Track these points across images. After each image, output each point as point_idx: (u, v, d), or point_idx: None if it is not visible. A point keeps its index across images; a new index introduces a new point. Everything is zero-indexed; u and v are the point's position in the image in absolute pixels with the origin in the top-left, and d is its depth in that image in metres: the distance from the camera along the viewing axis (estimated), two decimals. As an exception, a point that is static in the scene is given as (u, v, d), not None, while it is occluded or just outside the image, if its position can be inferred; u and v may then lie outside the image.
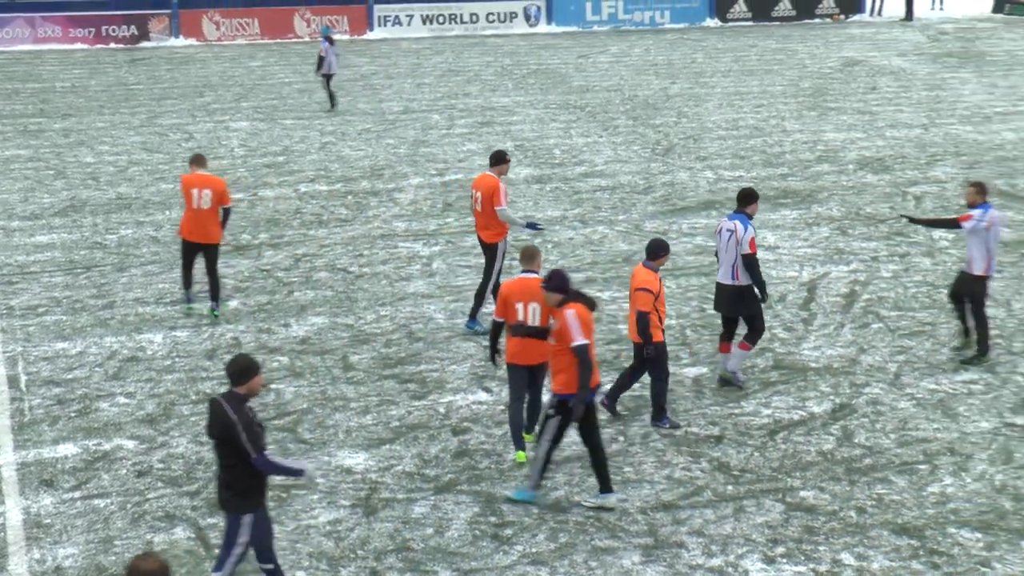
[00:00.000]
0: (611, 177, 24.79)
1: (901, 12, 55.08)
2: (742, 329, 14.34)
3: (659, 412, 13.35)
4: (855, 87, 36.44)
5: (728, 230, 14.04)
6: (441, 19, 49.80)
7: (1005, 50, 44.84)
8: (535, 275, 12.42)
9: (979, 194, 15.02)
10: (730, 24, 53.08)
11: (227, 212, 16.88)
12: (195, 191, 16.45)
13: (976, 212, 14.84)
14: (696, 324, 16.42)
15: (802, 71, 39.73)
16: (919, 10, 55.97)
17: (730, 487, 12.01)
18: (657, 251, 13.16)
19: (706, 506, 11.66)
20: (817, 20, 54.55)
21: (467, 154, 27.03)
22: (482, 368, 14.91)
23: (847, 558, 10.73)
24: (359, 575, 10.52)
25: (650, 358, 13.09)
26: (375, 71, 40.18)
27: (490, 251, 16.11)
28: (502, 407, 13.68)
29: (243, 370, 9.13)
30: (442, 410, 13.78)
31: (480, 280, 16.29)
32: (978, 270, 14.92)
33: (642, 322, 12.82)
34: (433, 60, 42.57)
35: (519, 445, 12.59)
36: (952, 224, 15.42)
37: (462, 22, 49.98)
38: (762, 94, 35.15)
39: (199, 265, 16.77)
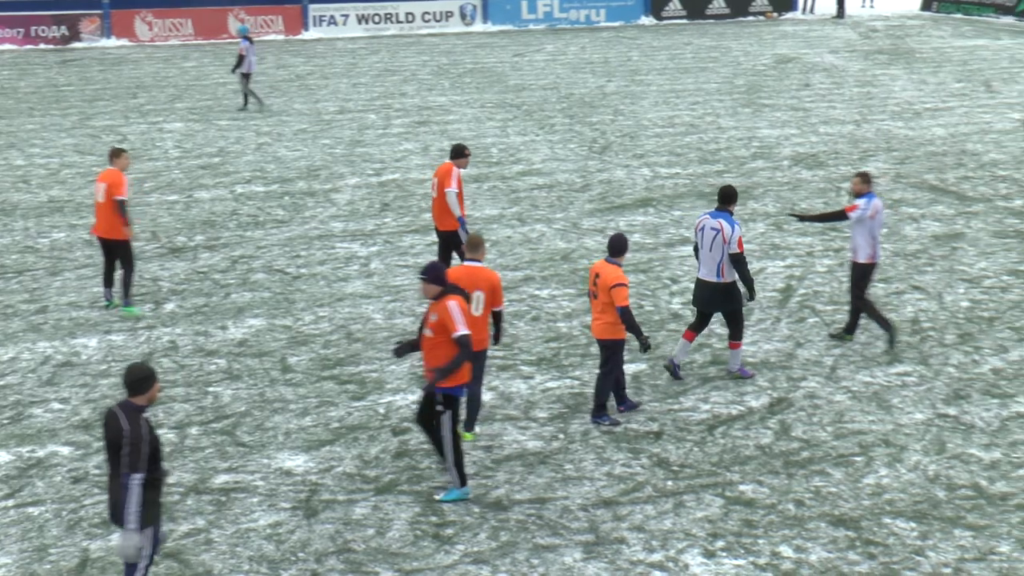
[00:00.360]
0: (548, 175, 24.82)
1: (833, 10, 55.62)
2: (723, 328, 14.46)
3: (599, 409, 13.37)
4: (788, 84, 36.74)
5: (713, 228, 14.13)
6: (377, 19, 49.63)
7: (934, 47, 45.39)
8: (479, 264, 12.72)
9: (864, 183, 15.49)
10: (665, 22, 53.33)
11: (118, 204, 16.42)
12: (97, 185, 16.54)
13: (861, 202, 15.29)
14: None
15: (736, 68, 39.99)
16: (850, 7, 56.57)
17: (670, 482, 12.06)
18: (623, 247, 13.21)
19: (646, 502, 11.70)
20: (751, 18, 54.96)
21: (404, 154, 26.96)
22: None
23: (786, 550, 10.81)
24: (300, 578, 10.48)
25: (613, 352, 13.17)
26: (311, 71, 39.99)
27: (446, 236, 16.52)
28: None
29: (140, 380, 8.87)
30: (382, 410, 13.72)
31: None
32: (863, 258, 15.32)
33: (628, 317, 12.85)
34: (369, 60, 42.43)
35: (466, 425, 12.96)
36: (840, 216, 15.69)
37: (398, 21, 49.84)
38: (697, 91, 35.35)
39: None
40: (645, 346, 13.00)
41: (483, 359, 12.89)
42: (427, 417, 11.59)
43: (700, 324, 14.63)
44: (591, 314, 13.47)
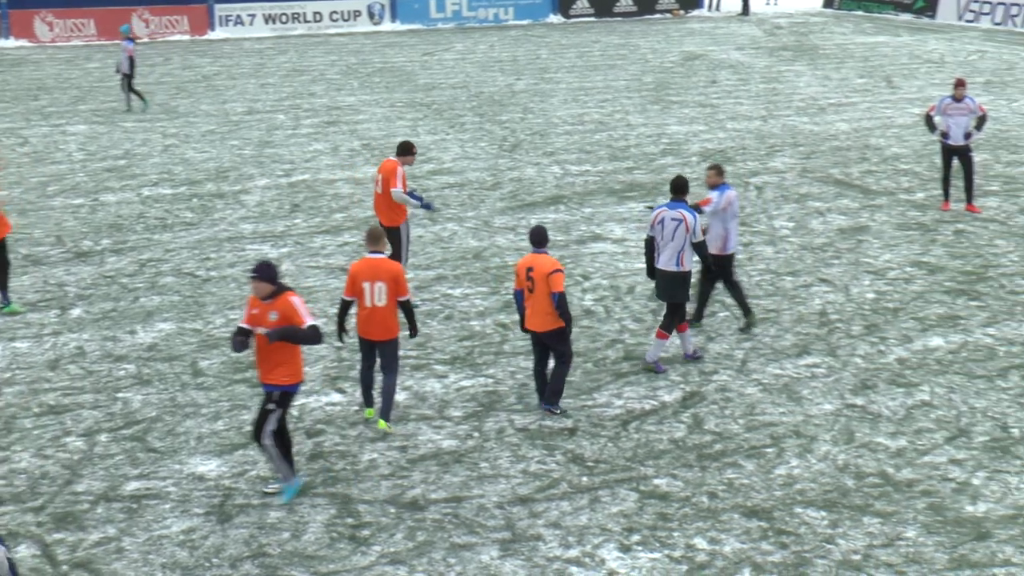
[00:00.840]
0: (459, 174, 24.81)
1: (738, 7, 56.22)
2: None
3: (555, 396, 13.51)
4: (696, 81, 37.05)
5: (674, 219, 14.34)
6: (284, 18, 49.27)
7: (836, 43, 46.05)
8: (381, 255, 12.92)
9: (718, 176, 15.78)
10: (573, 20, 53.54)
11: None
12: None
13: (714, 194, 15.54)
14: (547, 318, 16.51)
15: (644, 66, 40.25)
16: (755, 5, 57.22)
17: (585, 478, 12.11)
18: (545, 237, 13.33)
19: (562, 498, 11.74)
20: (658, 15, 55.38)
21: (314, 154, 26.79)
22: (335, 369, 14.81)
23: (700, 542, 10.91)
24: (215, 583, 10.38)
25: (561, 341, 13.31)
26: (217, 72, 39.59)
27: (392, 234, 16.53)
28: (356, 407, 13.63)
29: None
30: (295, 413, 13.60)
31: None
32: (715, 248, 15.53)
33: (564, 303, 13.01)
34: (277, 60, 42.11)
35: (368, 402, 13.32)
36: (695, 209, 15.85)
37: (305, 21, 49.52)
38: (606, 89, 35.53)
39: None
40: (568, 332, 13.30)
41: (395, 348, 13.06)
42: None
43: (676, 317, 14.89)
44: (527, 309, 13.34)
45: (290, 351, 11.34)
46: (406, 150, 16.98)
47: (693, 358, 15.04)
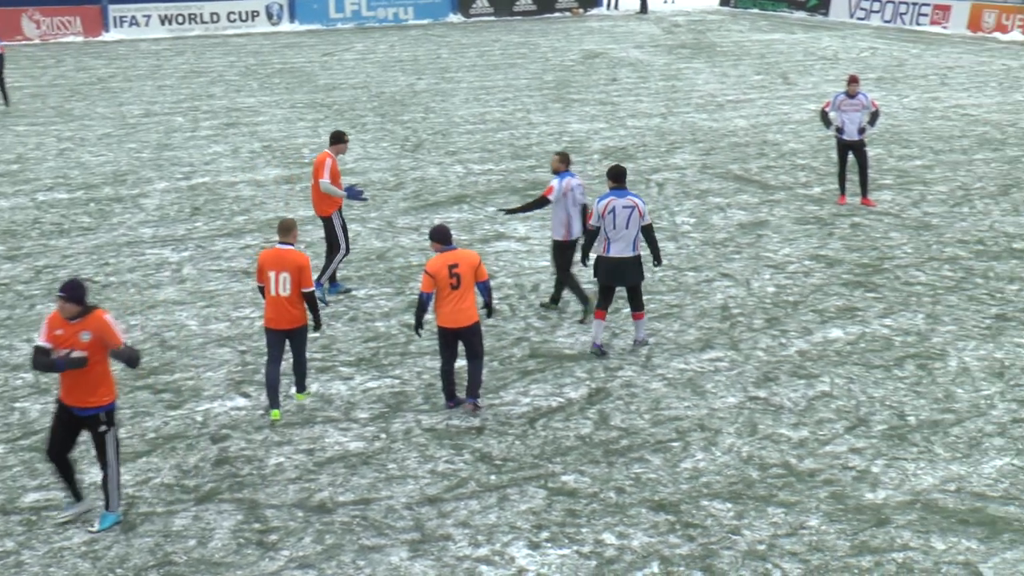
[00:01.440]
0: (361, 175, 24.68)
1: (636, 5, 56.64)
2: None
3: (479, 387, 13.61)
4: (596, 79, 37.25)
5: (626, 207, 14.62)
6: (180, 19, 48.65)
7: (733, 41, 46.59)
8: (290, 247, 13.04)
9: (562, 163, 16.21)
10: (473, 19, 53.57)
11: None
12: None
13: (554, 182, 15.95)
14: (452, 318, 16.50)
15: (545, 64, 40.38)
16: (653, 3, 57.68)
17: (493, 477, 12.12)
18: (449, 234, 13.31)
19: (471, 497, 11.73)
20: (557, 14, 55.61)
21: (213, 156, 26.50)
22: (239, 374, 14.66)
23: (609, 537, 10.97)
24: (120, 593, 10.23)
25: (480, 333, 13.47)
26: (113, 74, 38.97)
27: (326, 224, 17.05)
28: (261, 411, 13.50)
29: None
30: (200, 418, 13.47)
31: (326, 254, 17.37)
32: (559, 235, 16.00)
33: (488, 290, 13.38)
34: (174, 61, 41.57)
35: (273, 404, 13.21)
36: (542, 202, 16.17)
37: (202, 22, 48.96)
38: (507, 88, 35.59)
39: None
40: (489, 312, 13.77)
41: (303, 336, 13.18)
42: (67, 446, 11.06)
43: (607, 300, 15.16)
44: (446, 307, 13.14)
45: (105, 369, 10.93)
46: (337, 139, 17.16)
47: (642, 343, 15.47)
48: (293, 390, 13.60)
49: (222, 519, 11.31)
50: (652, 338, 15.71)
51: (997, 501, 11.67)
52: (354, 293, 17.47)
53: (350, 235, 17.81)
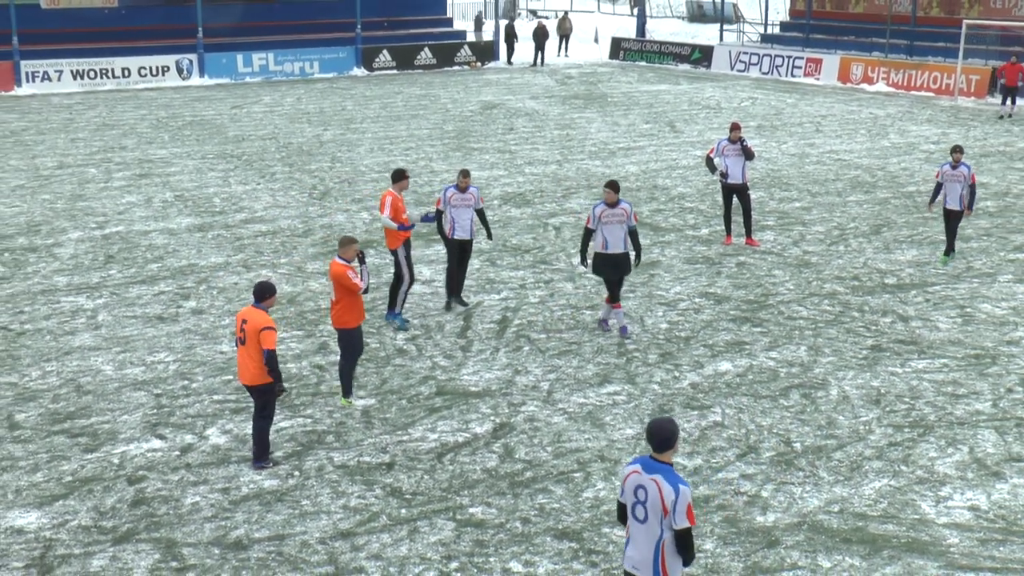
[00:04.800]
0: (271, 222, 24.51)
1: (531, 59, 57.09)
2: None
3: (261, 450, 13.03)
4: (494, 128, 37.42)
5: (616, 213, 16.68)
6: (92, 74, 47.89)
7: (623, 92, 47.12)
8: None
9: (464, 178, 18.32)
10: (376, 73, 53.57)
11: None
12: None
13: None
14: (362, 359, 16.33)
15: (445, 115, 40.49)
16: (546, 56, 58.18)
17: (404, 510, 12.05)
18: (266, 293, 12.77)
19: (382, 531, 11.65)
20: (456, 67, 55.82)
21: (127, 206, 26.12)
22: (155, 416, 14.43)
23: (515, 566, 10.95)
24: (40, 634, 9.97)
25: (268, 396, 12.84)
26: (25, 127, 38.23)
27: (394, 256, 17.72)
28: (177, 452, 13.29)
29: None
30: (116, 461, 13.22)
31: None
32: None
33: (273, 360, 12.48)
34: (87, 115, 40.95)
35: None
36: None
37: (114, 76, 48.26)
38: (410, 137, 35.60)
39: None
40: (280, 390, 12.79)
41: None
42: None
43: (615, 291, 17.20)
44: (237, 359, 13.05)
45: None
46: (397, 177, 17.81)
47: (623, 332, 17.21)
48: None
49: (139, 559, 11.11)
50: (552, 374, 15.77)
51: (877, 520, 11.87)
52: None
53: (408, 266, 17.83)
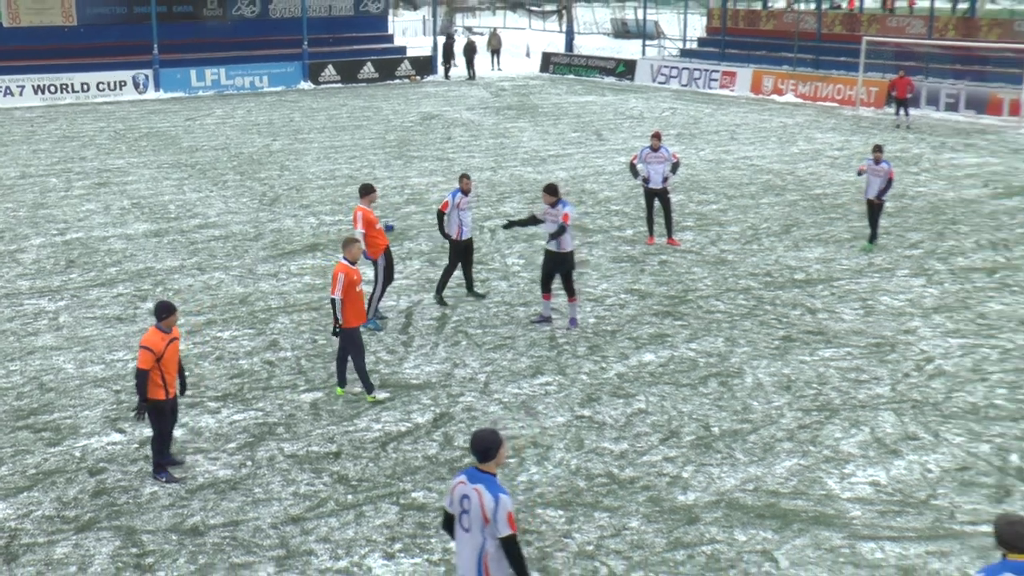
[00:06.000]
0: (224, 227, 24.29)
1: (466, 72, 57.05)
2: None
3: (159, 467, 12.41)
4: (433, 138, 37.33)
5: (555, 216, 16.93)
6: (53, 88, 47.12)
7: (552, 103, 47.20)
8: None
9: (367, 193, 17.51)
10: (322, 86, 53.23)
11: None
12: None
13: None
14: (310, 354, 16.32)
15: (387, 125, 40.34)
16: (481, 70, 58.16)
17: (350, 496, 12.01)
18: (162, 312, 12.01)
19: (330, 515, 11.61)
20: (397, 81, 55.62)
21: (87, 213, 25.76)
22: (114, 411, 14.26)
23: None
24: (6, 619, 9.83)
25: (152, 413, 12.14)
26: (-10, 140, 37.64)
27: (375, 264, 17.46)
28: (136, 445, 13.15)
29: None
30: (78, 454, 13.05)
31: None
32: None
33: (140, 379, 11.83)
34: (48, 127, 40.31)
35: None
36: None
37: (74, 91, 47.52)
38: (354, 147, 35.42)
39: None
40: (140, 414, 12.03)
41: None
42: None
43: (548, 284, 17.47)
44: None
45: None
46: (365, 191, 17.48)
47: (572, 323, 17.43)
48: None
49: (101, 546, 10.98)
50: (488, 367, 15.79)
51: (787, 496, 12.01)
52: (219, 335, 17.15)
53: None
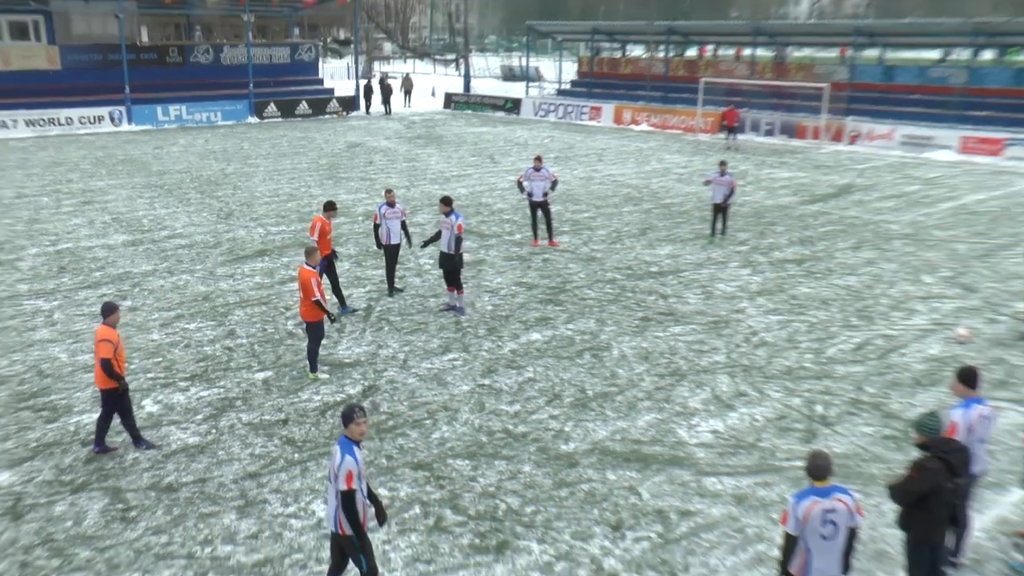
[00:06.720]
0: (188, 237, 23.79)
1: (383, 109, 56.60)
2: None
3: (102, 440, 11.89)
4: (358, 162, 36.98)
5: (448, 224, 16.84)
6: (42, 122, 45.56)
7: (454, 133, 47.09)
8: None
9: (329, 210, 17.13)
10: (266, 120, 52.34)
11: None
12: None
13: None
14: (262, 341, 16.10)
15: (320, 152, 39.85)
16: (396, 107, 57.72)
17: (296, 455, 11.90)
18: (106, 311, 11.50)
19: (281, 471, 11.50)
20: (327, 116, 54.94)
21: (74, 227, 25.00)
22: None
23: (383, 491, 10.93)
24: (11, 568, 9.54)
25: (119, 395, 11.68)
26: (-12, 167, 36.27)
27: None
28: (116, 421, 12.85)
29: None
30: (72, 428, 12.72)
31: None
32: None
33: (107, 366, 11.35)
34: (39, 155, 38.97)
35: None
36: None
37: (60, 124, 45.99)
38: (293, 170, 34.93)
39: None
40: (124, 389, 11.62)
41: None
42: None
43: (450, 280, 17.25)
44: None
45: None
46: (328, 207, 17.12)
47: (459, 311, 17.21)
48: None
49: (92, 503, 10.75)
50: (407, 347, 15.74)
51: (647, 444, 12.21)
52: (186, 326, 16.83)
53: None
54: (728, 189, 22.85)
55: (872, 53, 52.92)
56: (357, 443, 8.18)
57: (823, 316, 17.43)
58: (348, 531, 8.22)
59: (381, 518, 8.61)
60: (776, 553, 9.70)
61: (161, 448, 12.09)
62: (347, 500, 8.03)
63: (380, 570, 9.48)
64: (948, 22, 46.96)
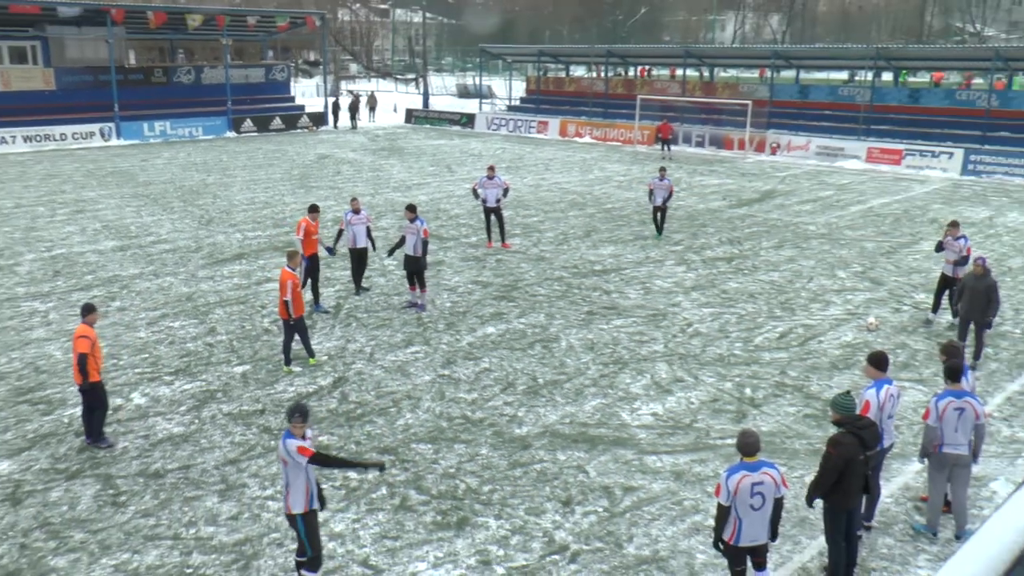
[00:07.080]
0: (172, 242, 23.37)
1: (349, 124, 56.16)
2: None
3: (99, 435, 11.50)
4: (327, 172, 36.63)
5: (413, 229, 16.65)
6: (38, 138, 44.51)
7: (415, 145, 46.84)
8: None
9: (314, 211, 17.00)
10: (243, 135, 51.64)
11: None
12: None
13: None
14: (240, 337, 15.85)
15: (292, 163, 39.40)
16: (362, 122, 57.25)
17: (273, 442, 11.71)
18: (86, 311, 11.33)
19: (259, 457, 11.32)
20: (299, 130, 54.35)
21: (68, 234, 24.45)
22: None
23: (352, 474, 10.80)
24: (11, 551, 9.27)
25: (91, 391, 11.27)
26: (-15, 179, 35.35)
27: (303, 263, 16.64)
28: (111, 412, 12.51)
29: None
30: (66, 420, 12.41)
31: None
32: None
33: (83, 361, 11.02)
34: (35, 168, 38.07)
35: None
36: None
37: (55, 140, 44.97)
38: (268, 180, 34.50)
39: None
40: (87, 388, 11.16)
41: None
42: None
43: (412, 279, 17.09)
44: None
45: None
46: (312, 209, 16.96)
47: (421, 308, 17.00)
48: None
49: (85, 489, 10.49)
50: (373, 341, 15.59)
51: (594, 427, 12.20)
52: (171, 325, 16.51)
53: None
54: (667, 192, 23.31)
55: (789, 74, 53.52)
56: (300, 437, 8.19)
57: (750, 308, 17.56)
58: (294, 511, 8.24)
59: (322, 503, 8.62)
60: (711, 523, 9.74)
61: (148, 438, 11.82)
62: (319, 461, 8.06)
63: (350, 547, 9.36)
64: (854, 48, 47.66)
